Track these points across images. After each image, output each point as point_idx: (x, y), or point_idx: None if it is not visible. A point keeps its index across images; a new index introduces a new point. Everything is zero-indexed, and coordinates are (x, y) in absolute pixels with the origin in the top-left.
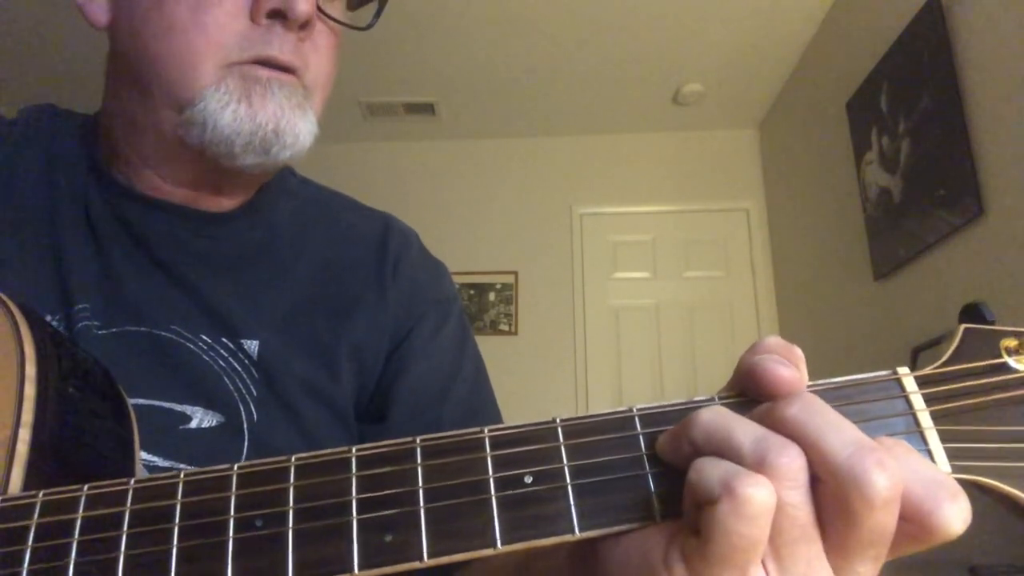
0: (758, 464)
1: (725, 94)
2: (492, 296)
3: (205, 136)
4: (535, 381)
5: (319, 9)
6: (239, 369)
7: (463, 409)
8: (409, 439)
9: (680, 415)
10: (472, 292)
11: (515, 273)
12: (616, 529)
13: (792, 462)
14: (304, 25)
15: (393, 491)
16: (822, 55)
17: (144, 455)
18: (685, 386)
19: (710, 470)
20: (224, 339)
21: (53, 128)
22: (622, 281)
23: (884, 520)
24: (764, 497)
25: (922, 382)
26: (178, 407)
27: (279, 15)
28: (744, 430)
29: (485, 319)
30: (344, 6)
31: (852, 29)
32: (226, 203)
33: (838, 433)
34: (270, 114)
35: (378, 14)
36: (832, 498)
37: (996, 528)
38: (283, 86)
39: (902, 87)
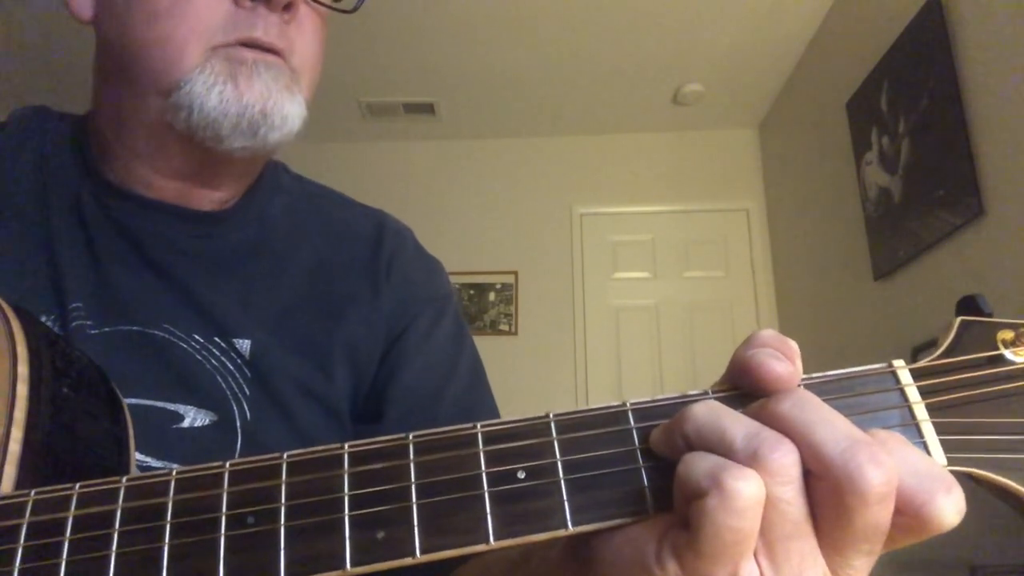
0: (749, 459)
1: (725, 94)
2: (492, 296)
3: (192, 119)
4: (535, 381)
5: None
6: (231, 368)
7: (459, 407)
8: (402, 435)
9: (673, 409)
10: (472, 292)
11: (515, 273)
12: (610, 524)
13: (784, 457)
14: (288, 7)
15: (386, 487)
16: (822, 55)
17: (137, 455)
18: (685, 386)
19: (699, 464)
20: (216, 338)
21: (44, 130)
22: (622, 281)
23: (878, 515)
24: (752, 491)
25: (918, 375)
26: (171, 406)
27: None
28: (736, 425)
29: (485, 319)
30: None
31: (852, 29)
32: (218, 196)
33: (831, 428)
34: (257, 95)
35: None
36: (826, 494)
37: (999, 528)
38: (269, 67)
39: (902, 87)
